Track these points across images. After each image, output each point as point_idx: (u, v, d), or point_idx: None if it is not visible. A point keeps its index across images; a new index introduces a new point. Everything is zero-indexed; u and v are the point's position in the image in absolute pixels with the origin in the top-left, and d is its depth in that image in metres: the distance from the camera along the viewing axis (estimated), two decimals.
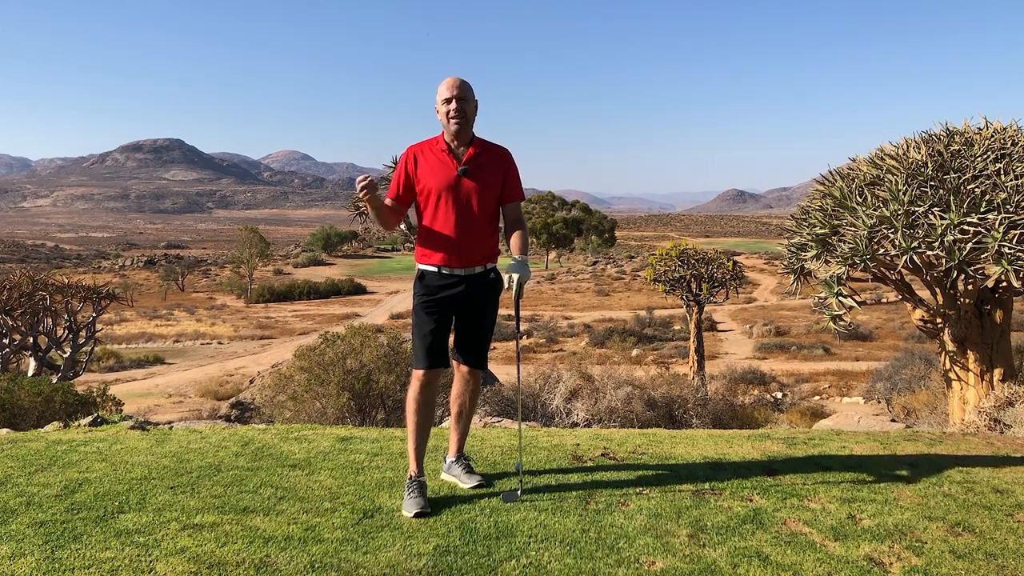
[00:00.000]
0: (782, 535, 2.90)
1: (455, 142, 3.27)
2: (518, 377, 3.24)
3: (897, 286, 6.07)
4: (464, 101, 3.22)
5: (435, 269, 3.28)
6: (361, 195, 3.11)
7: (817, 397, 20.13)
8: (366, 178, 3.10)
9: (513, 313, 3.41)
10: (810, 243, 5.91)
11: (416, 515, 3.02)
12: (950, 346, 6.10)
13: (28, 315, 15.23)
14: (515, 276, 3.17)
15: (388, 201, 3.31)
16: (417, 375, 3.30)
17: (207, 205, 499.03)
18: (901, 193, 5.24)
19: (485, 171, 3.28)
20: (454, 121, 3.22)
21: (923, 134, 5.97)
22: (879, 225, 5.34)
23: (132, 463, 3.84)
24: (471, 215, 3.24)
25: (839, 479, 3.62)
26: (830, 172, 6.24)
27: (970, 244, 5.01)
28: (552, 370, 10.43)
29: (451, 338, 3.43)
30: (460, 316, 3.35)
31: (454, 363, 3.47)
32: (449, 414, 3.65)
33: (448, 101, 3.21)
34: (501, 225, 3.45)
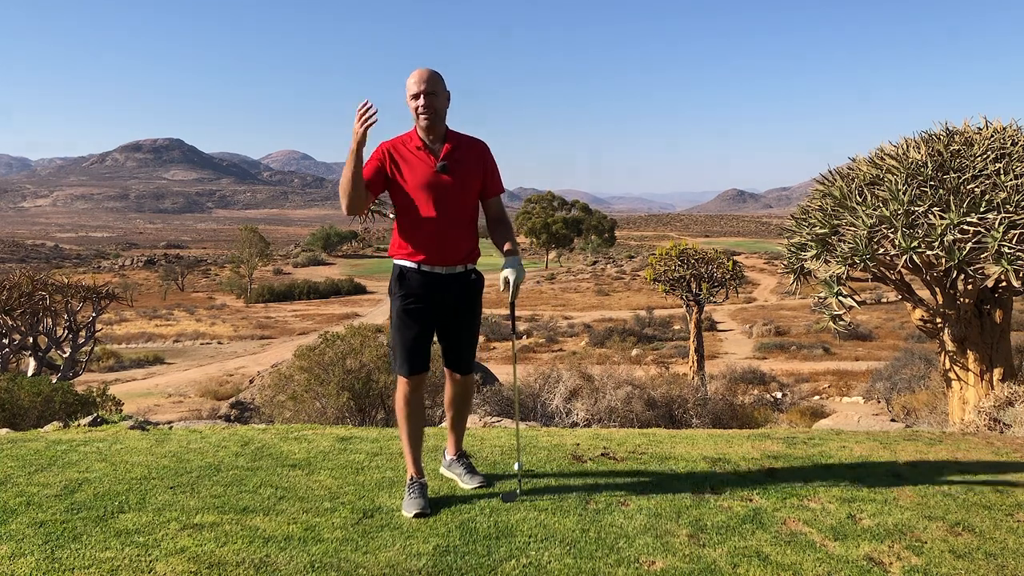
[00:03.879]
0: (782, 535, 2.90)
1: (429, 137, 3.14)
2: (515, 379, 3.23)
3: (897, 286, 6.07)
4: (433, 95, 3.06)
5: (415, 266, 3.16)
6: (360, 125, 2.83)
7: (817, 397, 20.13)
8: (370, 105, 2.82)
9: (508, 313, 3.30)
10: (810, 243, 5.91)
11: (416, 515, 3.01)
12: (950, 346, 6.10)
13: (28, 315, 15.21)
14: (511, 278, 3.08)
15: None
16: (402, 383, 3.21)
17: (207, 205, 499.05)
18: (901, 193, 5.24)
19: (464, 166, 3.17)
20: (424, 117, 3.08)
21: (923, 134, 5.97)
22: (879, 225, 5.33)
23: (132, 463, 3.84)
24: (452, 212, 3.14)
25: (839, 479, 3.61)
26: (830, 172, 6.24)
27: (970, 244, 5.01)
28: (552, 370, 10.42)
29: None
30: (445, 321, 3.26)
31: (445, 370, 3.40)
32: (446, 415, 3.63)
33: (416, 96, 3.06)
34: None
